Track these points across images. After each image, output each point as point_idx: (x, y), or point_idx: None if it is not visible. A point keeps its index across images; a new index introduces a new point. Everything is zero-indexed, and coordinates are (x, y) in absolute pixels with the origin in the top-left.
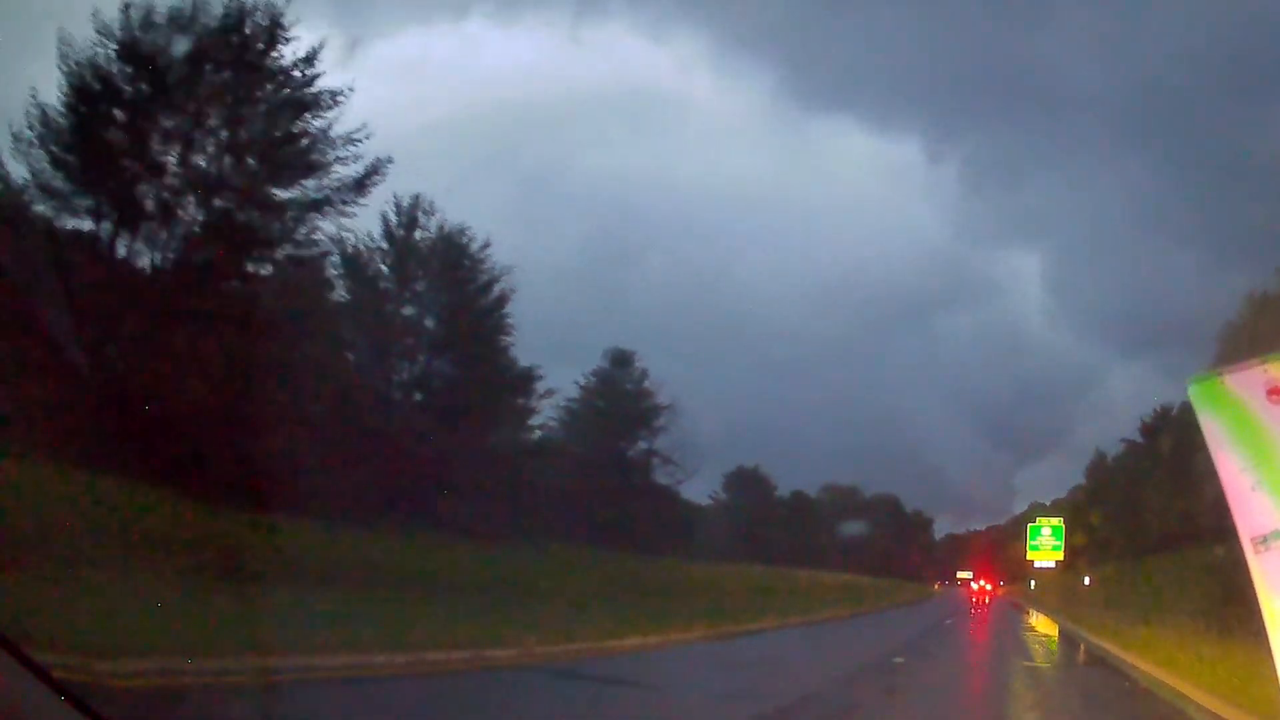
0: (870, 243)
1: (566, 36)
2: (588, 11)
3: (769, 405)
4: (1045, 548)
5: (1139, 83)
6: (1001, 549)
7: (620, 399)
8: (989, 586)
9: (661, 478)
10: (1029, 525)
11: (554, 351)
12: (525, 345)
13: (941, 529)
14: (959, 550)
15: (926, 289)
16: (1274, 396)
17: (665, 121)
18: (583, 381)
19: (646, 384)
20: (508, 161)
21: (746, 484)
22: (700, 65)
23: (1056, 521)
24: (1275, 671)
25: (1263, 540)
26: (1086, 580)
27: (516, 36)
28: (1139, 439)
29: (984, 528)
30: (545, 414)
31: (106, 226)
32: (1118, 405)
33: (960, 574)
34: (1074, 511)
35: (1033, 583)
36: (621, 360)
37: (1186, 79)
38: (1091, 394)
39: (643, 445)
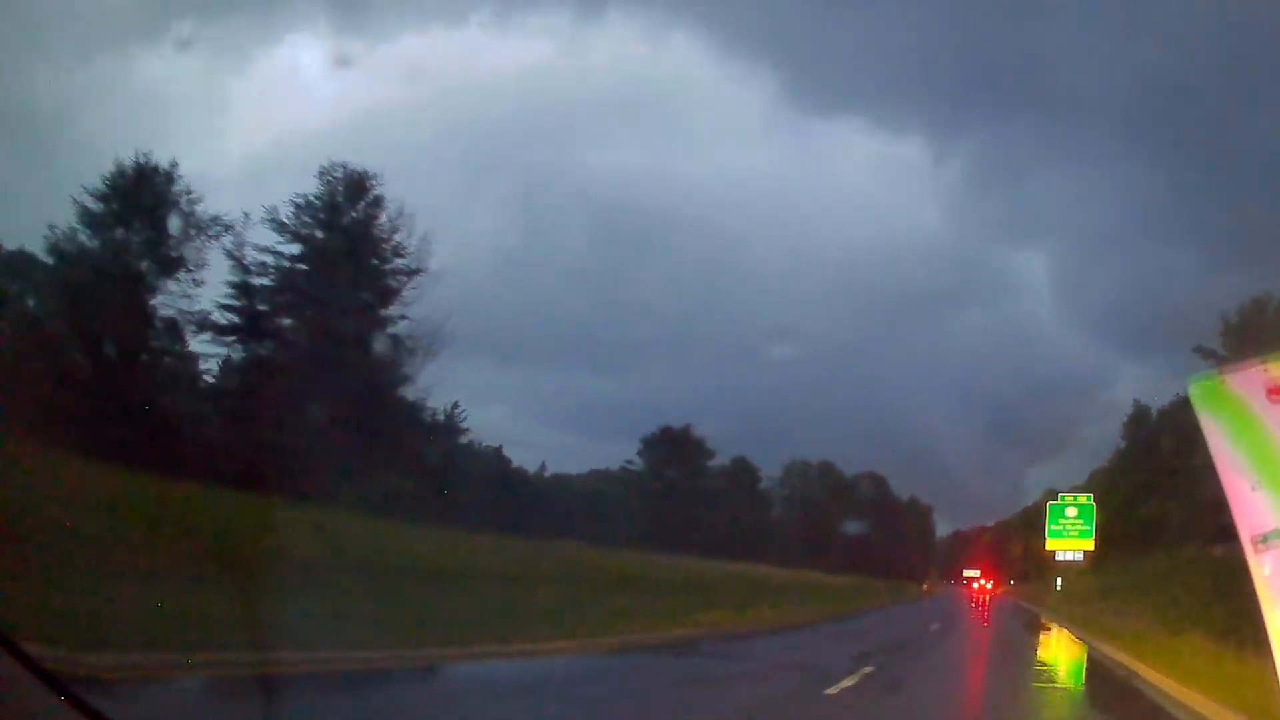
0: (872, 241)
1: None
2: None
3: (767, 398)
4: (1070, 533)
5: (1148, 81)
6: (1011, 544)
7: (347, 248)
8: (989, 584)
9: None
10: (1048, 505)
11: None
12: None
13: (946, 528)
14: (964, 547)
15: (930, 285)
16: (1274, 396)
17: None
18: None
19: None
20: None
21: (672, 449)
22: (704, 69)
23: (1085, 499)
24: (1276, 673)
25: (1263, 540)
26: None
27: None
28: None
29: (991, 523)
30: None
31: None
32: (1124, 407)
33: (967, 572)
34: (1107, 488)
35: (1059, 581)
36: (352, 187)
37: (1193, 77)
38: (1098, 394)
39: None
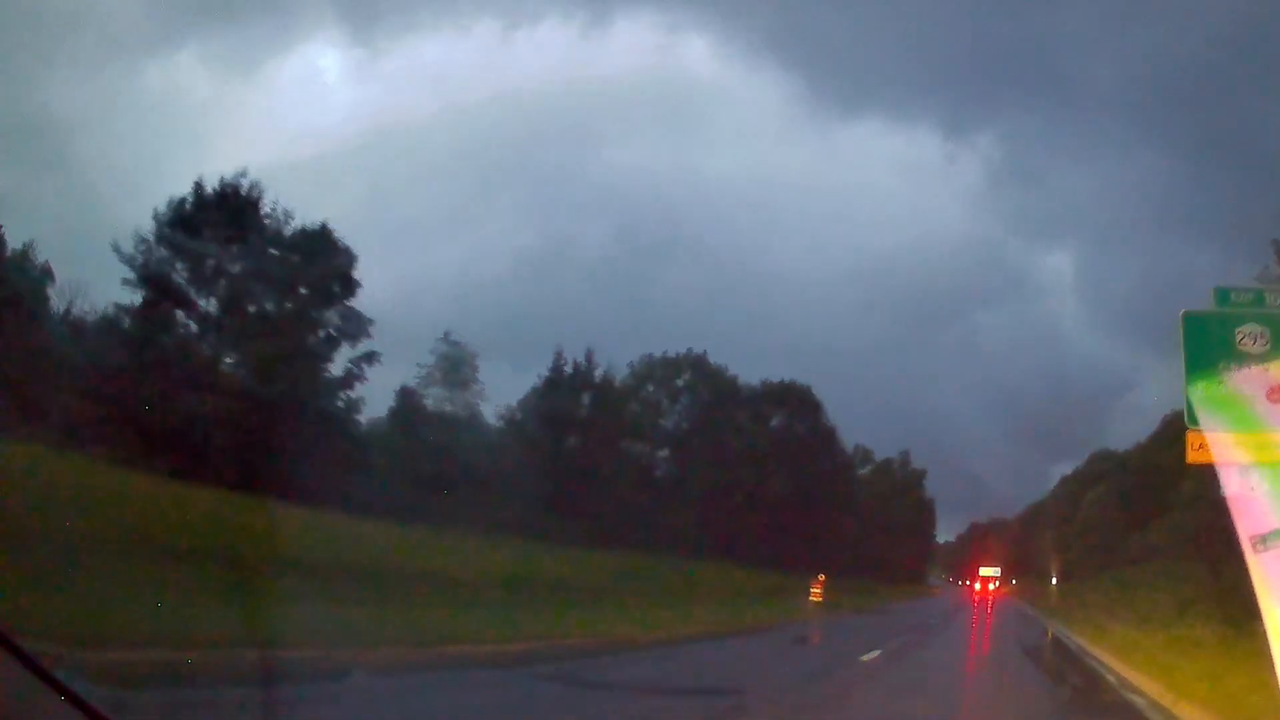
0: (892, 238)
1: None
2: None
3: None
4: (1257, 410)
5: (1169, 71)
6: (1048, 528)
7: None
8: (995, 580)
9: None
10: (1183, 320)
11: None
12: None
13: (962, 522)
14: (979, 541)
15: (954, 282)
16: (1274, 396)
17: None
18: None
19: None
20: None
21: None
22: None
23: None
24: (1275, 674)
25: (1262, 540)
26: None
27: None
28: None
29: (1020, 510)
30: None
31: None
32: (1143, 408)
33: (983, 570)
34: None
35: None
36: None
37: (1215, 67)
38: (1115, 393)
39: None
